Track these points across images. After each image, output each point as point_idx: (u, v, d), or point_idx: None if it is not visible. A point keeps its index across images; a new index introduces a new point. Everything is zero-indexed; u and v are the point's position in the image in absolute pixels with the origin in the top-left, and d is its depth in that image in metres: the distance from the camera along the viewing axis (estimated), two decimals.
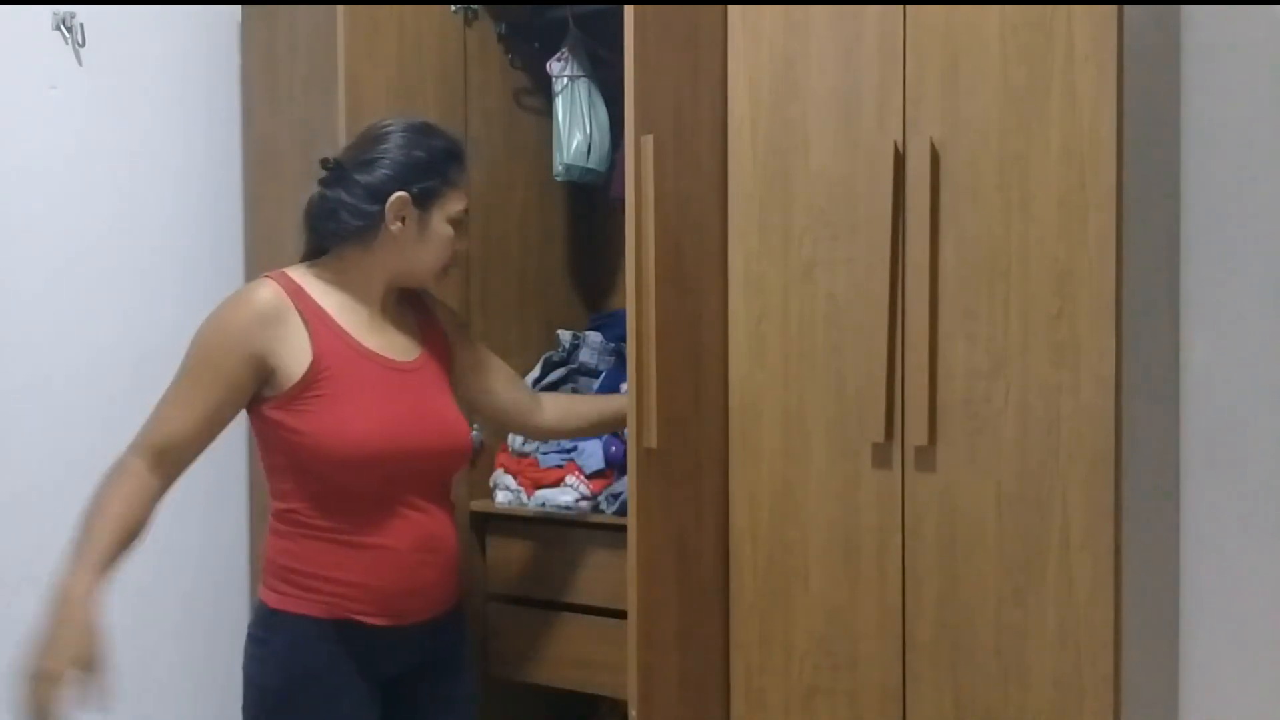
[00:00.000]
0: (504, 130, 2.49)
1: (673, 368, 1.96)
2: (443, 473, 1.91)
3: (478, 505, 2.37)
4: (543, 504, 2.28)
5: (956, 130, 1.90)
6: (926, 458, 1.93)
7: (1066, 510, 1.83)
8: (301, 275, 1.85)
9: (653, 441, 1.90)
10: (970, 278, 1.89)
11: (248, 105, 2.74)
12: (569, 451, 2.32)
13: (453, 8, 2.37)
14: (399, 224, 1.83)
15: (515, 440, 2.40)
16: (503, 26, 2.48)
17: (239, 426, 1.85)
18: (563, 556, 2.29)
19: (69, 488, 2.44)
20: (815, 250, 2.02)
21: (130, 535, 1.72)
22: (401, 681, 1.89)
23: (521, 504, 2.32)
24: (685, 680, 2.03)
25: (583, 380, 2.43)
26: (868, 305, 1.97)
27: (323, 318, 1.81)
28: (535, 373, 2.45)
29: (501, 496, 2.36)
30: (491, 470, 2.40)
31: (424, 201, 1.85)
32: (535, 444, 2.36)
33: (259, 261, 2.65)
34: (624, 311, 1.95)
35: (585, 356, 2.45)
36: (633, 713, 1.91)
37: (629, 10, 1.87)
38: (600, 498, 2.25)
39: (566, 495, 2.26)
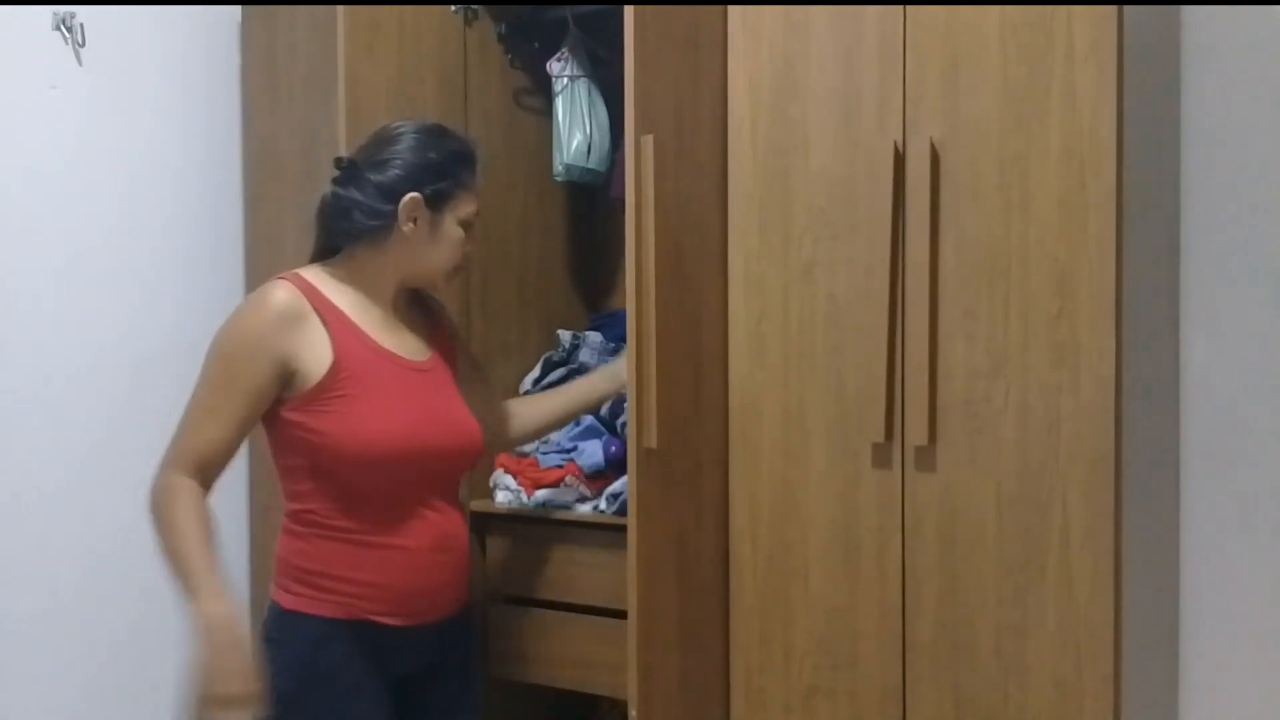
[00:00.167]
0: (504, 130, 2.49)
1: (673, 368, 1.96)
2: (456, 472, 1.91)
3: (478, 505, 2.36)
4: (543, 504, 2.28)
5: (956, 130, 1.90)
6: (926, 458, 1.93)
7: (1066, 510, 1.83)
8: (315, 275, 1.84)
9: (653, 441, 1.90)
10: (970, 278, 1.89)
11: (248, 105, 2.74)
12: (569, 451, 2.31)
13: (453, 8, 2.37)
14: (411, 225, 1.83)
15: None
16: (503, 26, 2.48)
17: None
18: (563, 556, 2.29)
19: (69, 488, 2.47)
20: (815, 250, 2.02)
21: (215, 541, 1.74)
22: (411, 681, 1.89)
23: (521, 504, 2.31)
24: (685, 680, 2.03)
25: None
26: (868, 305, 1.97)
27: (340, 318, 1.81)
28: (535, 373, 2.45)
29: (501, 496, 2.35)
30: (491, 470, 2.39)
31: (436, 203, 1.85)
32: (535, 444, 2.36)
33: (259, 261, 2.65)
34: (624, 311, 1.95)
35: (585, 356, 2.45)
36: (633, 713, 1.91)
37: (629, 10, 1.88)
38: (600, 498, 2.25)
39: (566, 495, 2.27)
